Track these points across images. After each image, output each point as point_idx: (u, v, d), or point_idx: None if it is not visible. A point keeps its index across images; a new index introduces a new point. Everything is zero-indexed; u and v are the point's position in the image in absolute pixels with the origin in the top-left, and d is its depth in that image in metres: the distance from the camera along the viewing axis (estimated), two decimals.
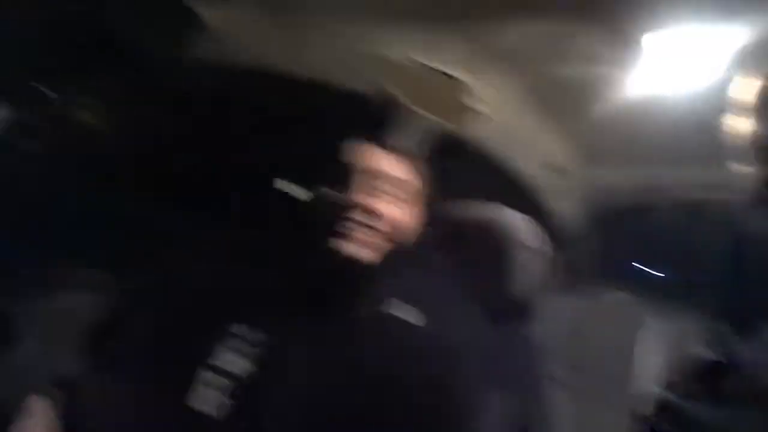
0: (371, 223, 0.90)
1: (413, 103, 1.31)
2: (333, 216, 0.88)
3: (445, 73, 1.28)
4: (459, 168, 1.68)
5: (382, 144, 0.97)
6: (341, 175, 0.92)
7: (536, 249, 1.20)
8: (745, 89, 0.85)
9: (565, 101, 1.54)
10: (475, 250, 1.19)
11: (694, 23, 1.11)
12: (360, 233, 0.89)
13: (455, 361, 0.95)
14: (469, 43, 1.25)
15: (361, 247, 0.89)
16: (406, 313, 0.93)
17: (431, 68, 1.26)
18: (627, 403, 1.80)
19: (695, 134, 1.43)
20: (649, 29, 1.13)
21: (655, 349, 1.88)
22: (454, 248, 1.14)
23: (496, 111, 1.45)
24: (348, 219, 0.88)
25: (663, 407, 0.83)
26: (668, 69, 1.25)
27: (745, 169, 0.82)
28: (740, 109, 0.84)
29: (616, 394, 1.90)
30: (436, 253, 1.08)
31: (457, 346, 0.96)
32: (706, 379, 0.81)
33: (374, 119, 1.15)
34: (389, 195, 0.95)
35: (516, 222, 1.22)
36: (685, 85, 1.31)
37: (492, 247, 1.19)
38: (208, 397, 0.77)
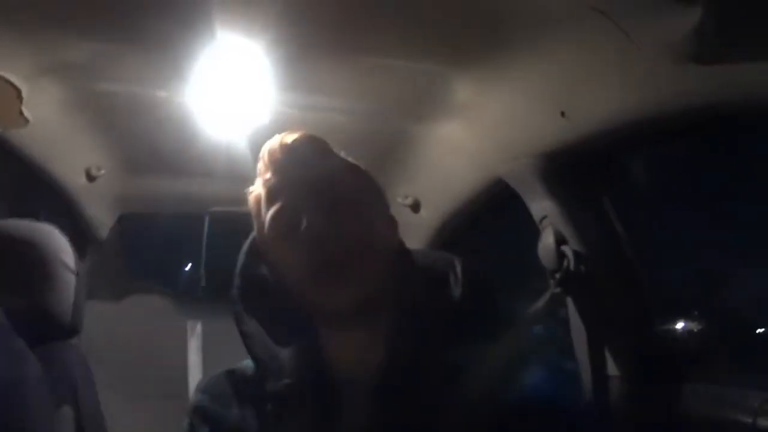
0: None
1: None
2: None
3: (4, 79, 1.21)
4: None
5: None
6: None
7: (74, 265, 1.22)
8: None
9: (108, 113, 1.59)
10: (15, 270, 1.14)
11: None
12: None
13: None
14: (32, 55, 1.22)
15: None
16: None
17: None
18: (178, 401, 1.95)
19: (224, 155, 1.69)
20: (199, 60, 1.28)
21: (197, 346, 2.08)
22: None
23: (41, 118, 1.41)
24: None
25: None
26: (213, 95, 1.42)
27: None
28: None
29: (168, 391, 2.02)
30: None
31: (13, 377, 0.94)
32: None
33: None
34: None
35: (55, 240, 1.22)
36: (224, 112, 1.52)
37: (32, 266, 1.16)
38: None
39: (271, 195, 0.80)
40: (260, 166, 0.83)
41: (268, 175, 0.81)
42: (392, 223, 0.86)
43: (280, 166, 0.80)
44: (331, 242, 0.74)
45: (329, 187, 0.78)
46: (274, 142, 0.82)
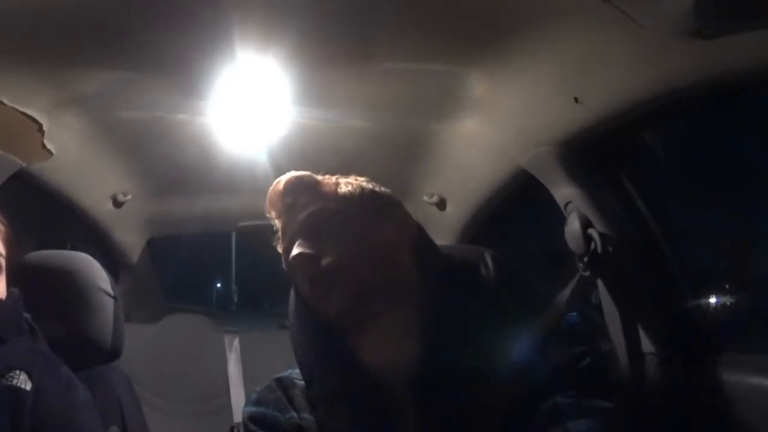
0: None
1: None
2: None
3: (26, 114, 1.25)
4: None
5: None
6: None
7: (112, 290, 1.26)
8: None
9: (131, 139, 1.63)
10: (56, 299, 1.19)
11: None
12: None
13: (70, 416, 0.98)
14: (50, 89, 1.26)
15: None
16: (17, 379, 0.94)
17: (16, 110, 1.22)
18: (221, 416, 1.99)
19: (247, 170, 1.73)
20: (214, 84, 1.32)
21: (236, 360, 2.11)
22: (39, 297, 1.12)
23: (64, 149, 1.45)
24: None
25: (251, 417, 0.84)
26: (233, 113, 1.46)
27: None
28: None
29: (211, 406, 2.06)
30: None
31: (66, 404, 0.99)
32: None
33: None
34: None
35: (92, 267, 1.26)
36: (245, 128, 1.56)
37: (71, 294, 1.20)
38: None
39: (282, 235, 0.89)
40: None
41: (276, 219, 0.92)
42: (399, 220, 0.88)
43: (279, 210, 0.90)
44: (312, 261, 0.81)
45: (312, 218, 0.85)
46: (271, 189, 0.90)
